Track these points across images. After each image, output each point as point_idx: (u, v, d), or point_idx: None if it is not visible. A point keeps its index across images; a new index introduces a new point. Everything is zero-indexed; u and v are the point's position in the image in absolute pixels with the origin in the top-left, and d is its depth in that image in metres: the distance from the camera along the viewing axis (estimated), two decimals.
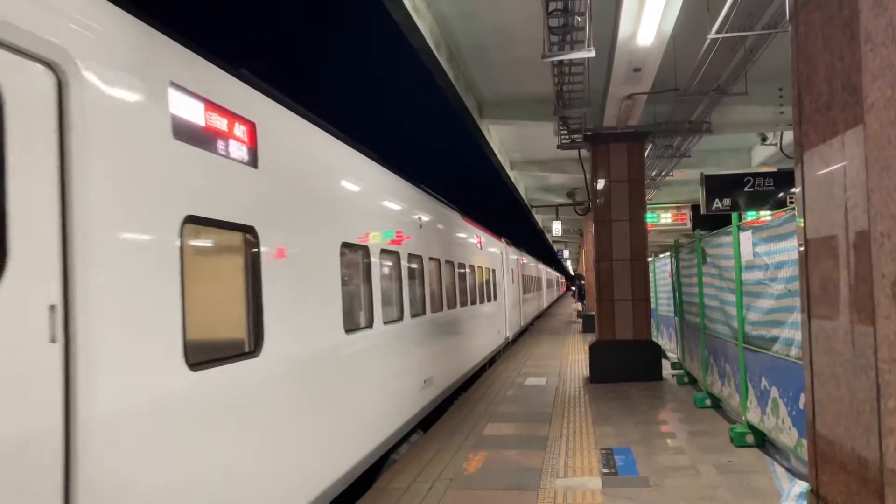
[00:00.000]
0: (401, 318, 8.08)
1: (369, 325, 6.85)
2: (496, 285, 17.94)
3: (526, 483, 6.51)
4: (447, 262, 11.29)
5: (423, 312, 9.30)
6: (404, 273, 8.29)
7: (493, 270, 17.49)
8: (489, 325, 16.23)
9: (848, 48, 1.92)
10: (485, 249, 16.27)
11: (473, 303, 13.85)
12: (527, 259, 30.73)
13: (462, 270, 12.80)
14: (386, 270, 7.71)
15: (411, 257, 8.77)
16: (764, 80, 10.54)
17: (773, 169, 14.44)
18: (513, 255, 22.93)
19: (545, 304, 45.66)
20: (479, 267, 15.01)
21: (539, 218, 30.79)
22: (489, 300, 16.38)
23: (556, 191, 23.36)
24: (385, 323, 7.36)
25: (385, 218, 7.79)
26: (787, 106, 12.00)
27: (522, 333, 25.21)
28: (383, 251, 7.48)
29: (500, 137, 16.68)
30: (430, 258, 9.95)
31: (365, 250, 6.86)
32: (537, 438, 8.28)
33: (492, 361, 16.62)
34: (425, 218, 9.85)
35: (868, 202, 1.84)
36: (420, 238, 9.34)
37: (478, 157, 18.94)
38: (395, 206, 8.37)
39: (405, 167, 9.89)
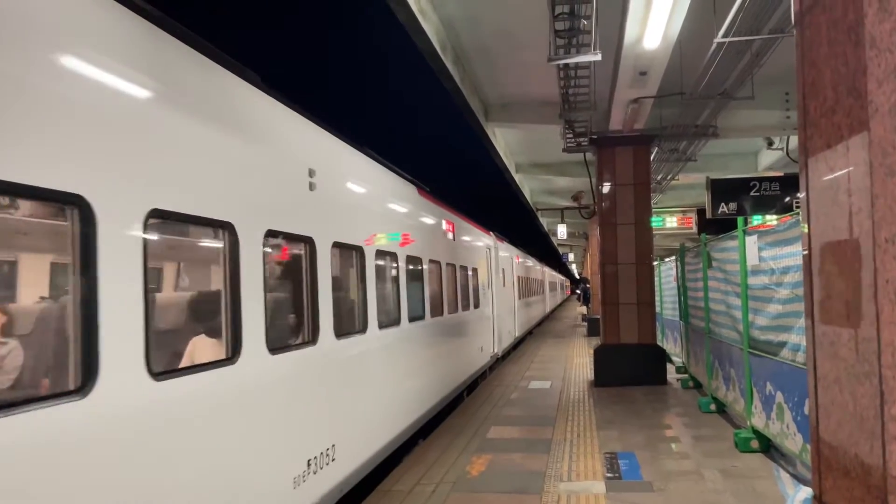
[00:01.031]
0: (232, 357, 4.26)
1: (124, 383, 3.21)
2: (480, 289, 14.31)
3: (529, 487, 6.49)
4: (384, 254, 7.59)
5: (312, 340, 5.50)
6: (253, 268, 4.56)
7: (475, 270, 13.99)
8: (467, 342, 12.75)
9: (853, 53, 1.91)
10: (461, 242, 12.76)
11: (439, 313, 10.38)
12: (525, 259, 27.12)
13: (419, 268, 9.31)
14: (196, 268, 4.67)
15: (283, 241, 5.28)
16: (770, 84, 10.51)
17: (780, 173, 14.38)
18: (505, 252, 19.47)
19: (548, 309, 41.90)
20: (450, 265, 11.41)
21: (544, 221, 30.78)
22: (468, 308, 12.87)
23: (562, 194, 23.35)
24: (182, 372, 3.84)
25: (192, 148, 4.00)
26: (794, 110, 11.86)
27: (518, 345, 21.94)
28: (190, 222, 4.04)
29: (505, 140, 16.69)
30: (339, 245, 6.19)
31: (116, 216, 3.25)
32: (541, 442, 8.26)
33: (472, 387, 13.24)
34: (329, 177, 6.02)
35: (872, 207, 1.83)
36: (313, 208, 5.65)
37: (483, 160, 18.45)
38: (235, 137, 4.53)
39: (409, 168, 9.80)
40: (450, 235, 11.75)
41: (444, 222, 11.33)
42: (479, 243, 15.13)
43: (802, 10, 2.28)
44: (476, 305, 13.85)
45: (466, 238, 13.52)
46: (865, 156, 1.84)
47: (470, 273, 13.44)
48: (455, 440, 8.49)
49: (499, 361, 17.03)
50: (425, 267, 9.69)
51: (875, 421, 1.90)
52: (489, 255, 16.04)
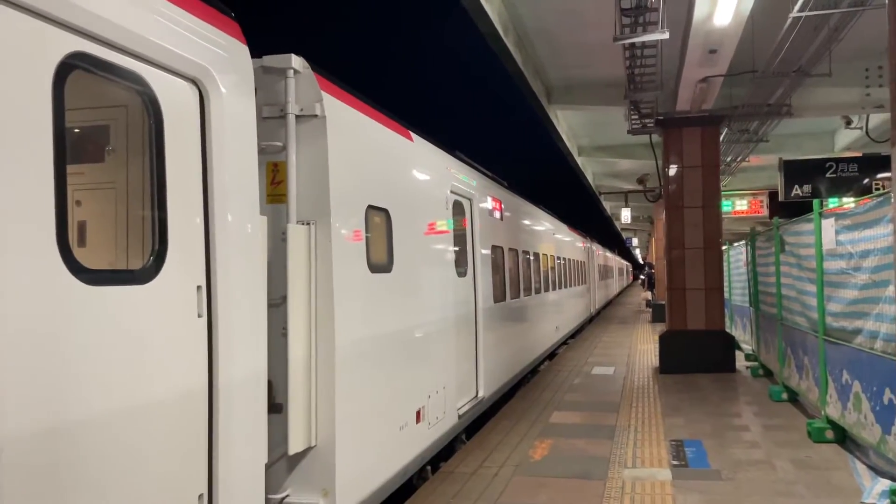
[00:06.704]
0: None
1: None
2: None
3: (593, 472, 6.45)
4: None
5: None
6: None
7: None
8: None
9: None
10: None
11: None
12: (519, 204, 11.89)
13: None
14: None
15: None
16: (849, 59, 10.04)
17: (858, 154, 13.79)
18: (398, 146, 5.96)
19: (596, 307, 27.78)
20: None
21: (607, 205, 30.29)
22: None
23: (626, 177, 22.88)
24: None
25: None
26: (874, 87, 11.39)
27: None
28: None
29: (568, 123, 16.47)
30: None
31: None
32: (605, 427, 8.19)
33: None
34: None
35: None
36: None
37: (546, 143, 18.15)
38: None
39: (470, 153, 9.73)
40: None
41: None
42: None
43: None
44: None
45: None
46: None
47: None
48: (517, 424, 8.49)
49: None
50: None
51: None
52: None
